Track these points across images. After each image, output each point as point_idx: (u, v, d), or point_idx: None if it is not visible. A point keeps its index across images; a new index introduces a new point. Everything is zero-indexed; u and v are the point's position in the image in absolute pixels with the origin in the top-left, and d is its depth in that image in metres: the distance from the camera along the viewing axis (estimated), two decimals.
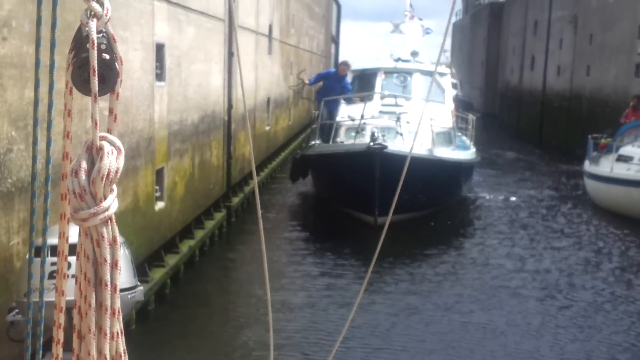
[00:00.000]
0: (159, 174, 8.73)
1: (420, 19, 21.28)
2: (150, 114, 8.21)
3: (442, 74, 17.05)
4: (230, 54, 11.96)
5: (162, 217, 8.86)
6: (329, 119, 14.54)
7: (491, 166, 20.77)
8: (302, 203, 15.65)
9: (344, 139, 14.02)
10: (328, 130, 14.41)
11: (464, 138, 16.78)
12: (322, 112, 14.80)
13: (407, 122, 13.24)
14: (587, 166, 16.54)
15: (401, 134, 12.86)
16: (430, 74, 16.52)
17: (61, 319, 1.68)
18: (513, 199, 16.35)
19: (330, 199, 14.22)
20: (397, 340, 7.85)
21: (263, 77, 16.26)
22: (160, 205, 8.79)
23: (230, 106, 12.22)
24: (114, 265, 1.62)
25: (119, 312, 1.64)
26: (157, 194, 8.69)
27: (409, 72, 16.45)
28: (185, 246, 9.92)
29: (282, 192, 16.33)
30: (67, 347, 1.64)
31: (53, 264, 2.82)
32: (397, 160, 11.16)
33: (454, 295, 9.41)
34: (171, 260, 9.23)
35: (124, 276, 3.87)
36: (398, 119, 12.92)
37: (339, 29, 53.44)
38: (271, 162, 18.57)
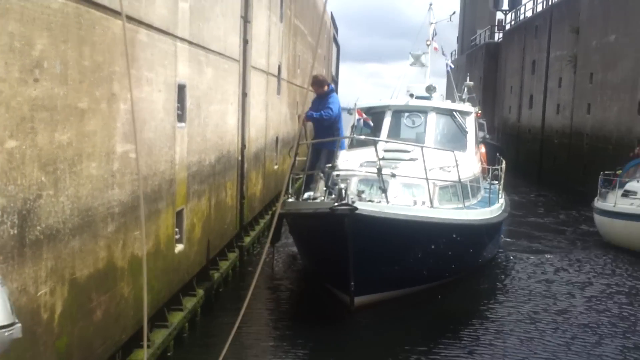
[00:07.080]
0: (179, 215, 8.62)
1: (443, 52, 18.50)
2: (171, 156, 8.13)
3: (464, 113, 14.32)
4: (244, 94, 11.95)
5: (181, 260, 8.73)
6: (314, 164, 11.41)
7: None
8: (288, 269, 12.95)
9: (318, 194, 11.15)
10: (306, 181, 11.78)
11: (498, 188, 14.35)
12: (310, 157, 11.46)
13: (393, 176, 10.84)
14: (596, 202, 16.70)
15: (384, 190, 10.07)
16: (450, 112, 14.05)
17: None
18: (535, 258, 14.19)
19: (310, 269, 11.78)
20: None
21: (272, 116, 16.26)
22: (179, 247, 8.66)
23: (243, 146, 12.17)
24: None
25: None
26: (177, 236, 8.57)
27: (423, 111, 13.84)
28: (202, 288, 9.78)
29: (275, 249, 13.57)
30: None
31: None
32: (372, 224, 9.14)
33: None
34: (189, 303, 9.08)
35: None
36: (379, 171, 9.99)
37: (338, 69, 53.75)
38: (278, 200, 18.48)
